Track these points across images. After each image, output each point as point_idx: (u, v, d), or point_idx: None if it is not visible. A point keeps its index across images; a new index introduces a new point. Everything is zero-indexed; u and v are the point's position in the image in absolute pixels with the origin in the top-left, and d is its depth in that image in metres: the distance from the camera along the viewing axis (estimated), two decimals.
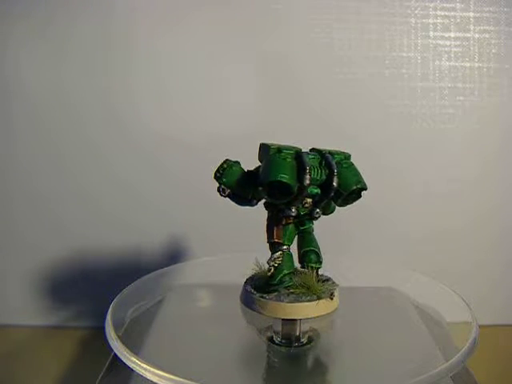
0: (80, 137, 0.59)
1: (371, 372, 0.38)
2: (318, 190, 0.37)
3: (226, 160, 0.39)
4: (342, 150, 0.39)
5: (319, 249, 0.39)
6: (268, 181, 0.36)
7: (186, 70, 0.59)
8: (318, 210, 0.38)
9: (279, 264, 0.38)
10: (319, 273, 0.40)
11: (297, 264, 0.39)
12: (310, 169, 0.36)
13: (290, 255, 0.39)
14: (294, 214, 0.37)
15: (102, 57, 0.58)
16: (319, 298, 0.37)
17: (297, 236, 0.40)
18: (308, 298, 0.38)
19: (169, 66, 0.59)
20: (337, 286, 0.39)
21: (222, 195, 0.39)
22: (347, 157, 0.38)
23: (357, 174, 0.38)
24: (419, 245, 0.61)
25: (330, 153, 0.38)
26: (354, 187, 0.37)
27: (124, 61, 0.58)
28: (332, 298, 0.38)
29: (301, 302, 0.37)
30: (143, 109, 0.59)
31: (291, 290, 0.38)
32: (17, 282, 0.62)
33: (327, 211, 0.40)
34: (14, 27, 0.57)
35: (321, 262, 0.39)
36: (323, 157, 0.37)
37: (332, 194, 0.37)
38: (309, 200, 0.37)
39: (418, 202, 0.61)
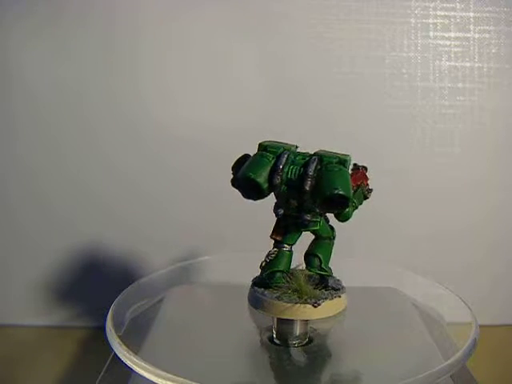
0: (83, 135, 0.59)
1: (371, 372, 0.38)
2: (285, 189, 0.37)
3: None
4: (344, 153, 0.37)
5: (325, 256, 0.39)
6: (240, 177, 0.37)
7: (188, 69, 0.59)
8: (305, 217, 0.37)
9: (271, 260, 0.39)
10: (334, 278, 0.40)
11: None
12: (281, 169, 0.36)
13: (288, 255, 0.39)
14: (280, 213, 0.37)
15: (105, 54, 0.58)
16: (298, 302, 0.37)
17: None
18: (288, 299, 0.38)
19: (172, 64, 0.59)
20: (335, 296, 0.38)
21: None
22: (342, 161, 0.36)
23: (339, 180, 0.35)
24: (419, 245, 0.61)
25: (322, 155, 0.37)
26: (328, 193, 0.35)
27: (128, 58, 0.58)
28: (315, 306, 0.37)
29: (279, 300, 0.38)
30: (147, 107, 0.59)
31: (280, 289, 0.38)
32: (17, 282, 0.62)
33: (340, 218, 0.39)
34: (16, 25, 0.57)
35: (322, 269, 0.39)
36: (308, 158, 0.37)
37: (305, 197, 0.36)
38: (293, 201, 0.37)
39: (417, 202, 0.61)
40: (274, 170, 0.36)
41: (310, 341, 0.41)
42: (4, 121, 0.59)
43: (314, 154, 0.37)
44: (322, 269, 0.39)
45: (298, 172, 0.36)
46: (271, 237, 0.39)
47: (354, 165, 0.40)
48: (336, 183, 0.35)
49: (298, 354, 0.40)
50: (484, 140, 0.60)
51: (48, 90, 0.58)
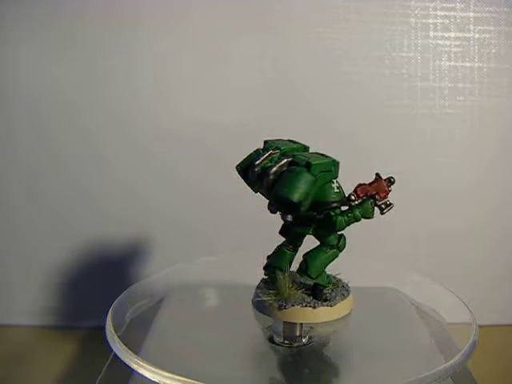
0: (80, 135, 0.59)
1: (371, 372, 0.38)
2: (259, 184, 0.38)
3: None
4: (331, 157, 0.37)
5: (315, 263, 0.38)
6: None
7: (188, 68, 0.59)
8: (286, 217, 0.36)
9: (270, 255, 0.39)
10: (336, 289, 0.39)
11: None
12: (256, 165, 0.37)
13: (288, 254, 0.39)
14: (274, 210, 0.37)
15: (103, 54, 0.58)
16: (268, 300, 0.38)
17: None
18: (267, 295, 0.38)
19: (171, 64, 0.59)
20: (309, 306, 0.37)
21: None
22: (307, 164, 0.35)
23: (289, 181, 0.35)
24: (419, 245, 0.61)
25: (295, 156, 0.37)
26: (273, 193, 0.35)
27: (125, 60, 0.58)
28: (281, 309, 0.37)
29: (260, 295, 0.39)
30: (145, 107, 0.59)
31: (273, 285, 0.39)
32: (17, 282, 0.62)
33: (331, 226, 0.37)
34: (14, 26, 0.57)
35: (308, 275, 0.38)
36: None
37: (268, 195, 0.37)
38: None
39: (417, 203, 0.61)
40: (250, 166, 0.37)
41: (310, 341, 0.41)
42: (3, 121, 0.59)
43: (292, 155, 0.37)
44: (307, 274, 0.38)
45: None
46: (279, 233, 0.40)
47: (376, 174, 0.38)
48: (284, 184, 0.35)
49: (297, 354, 0.40)
50: (484, 140, 0.60)
51: (46, 91, 0.58)
